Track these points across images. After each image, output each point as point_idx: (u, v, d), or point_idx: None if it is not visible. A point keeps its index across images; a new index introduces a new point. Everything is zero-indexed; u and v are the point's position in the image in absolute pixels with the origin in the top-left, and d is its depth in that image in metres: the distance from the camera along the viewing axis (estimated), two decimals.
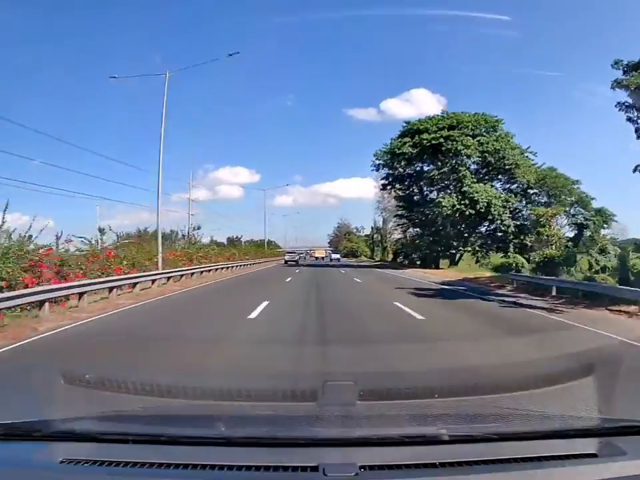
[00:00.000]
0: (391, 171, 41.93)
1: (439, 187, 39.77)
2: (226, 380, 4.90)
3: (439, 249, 40.14)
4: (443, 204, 35.37)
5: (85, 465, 1.56)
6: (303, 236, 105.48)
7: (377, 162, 41.66)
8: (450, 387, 3.99)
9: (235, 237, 66.01)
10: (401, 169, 40.74)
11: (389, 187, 44.92)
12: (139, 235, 34.34)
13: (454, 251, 40.66)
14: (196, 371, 5.30)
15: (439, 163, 38.02)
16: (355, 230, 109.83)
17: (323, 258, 72.43)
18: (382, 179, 44.83)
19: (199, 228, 38.57)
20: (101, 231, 24.88)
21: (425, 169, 40.50)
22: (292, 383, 4.60)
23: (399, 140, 39.02)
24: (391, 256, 65.80)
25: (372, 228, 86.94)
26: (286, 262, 48.82)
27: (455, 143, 35.91)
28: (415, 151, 38.01)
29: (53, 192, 36.85)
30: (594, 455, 1.62)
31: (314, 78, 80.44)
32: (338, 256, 70.31)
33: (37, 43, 51.65)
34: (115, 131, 68.34)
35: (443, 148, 36.39)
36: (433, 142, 36.46)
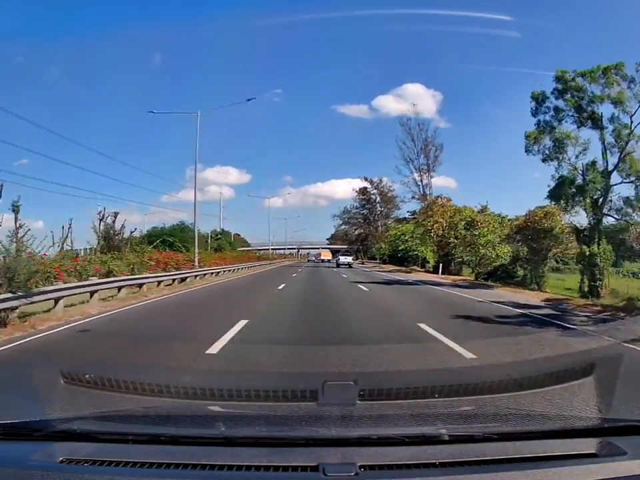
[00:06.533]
0: None
1: None
2: (227, 378, 4.90)
3: None
4: None
5: (85, 464, 1.56)
6: (297, 235, 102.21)
7: None
8: (450, 386, 3.97)
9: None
10: None
11: None
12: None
13: None
14: None
15: None
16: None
17: (329, 260, 65.30)
18: None
19: None
20: None
21: None
22: (292, 383, 4.59)
23: None
24: None
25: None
26: (308, 260, 75.49)
27: None
28: None
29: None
30: (594, 455, 1.62)
31: (303, 73, 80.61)
32: (349, 260, 49.70)
33: None
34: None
35: None
36: None
